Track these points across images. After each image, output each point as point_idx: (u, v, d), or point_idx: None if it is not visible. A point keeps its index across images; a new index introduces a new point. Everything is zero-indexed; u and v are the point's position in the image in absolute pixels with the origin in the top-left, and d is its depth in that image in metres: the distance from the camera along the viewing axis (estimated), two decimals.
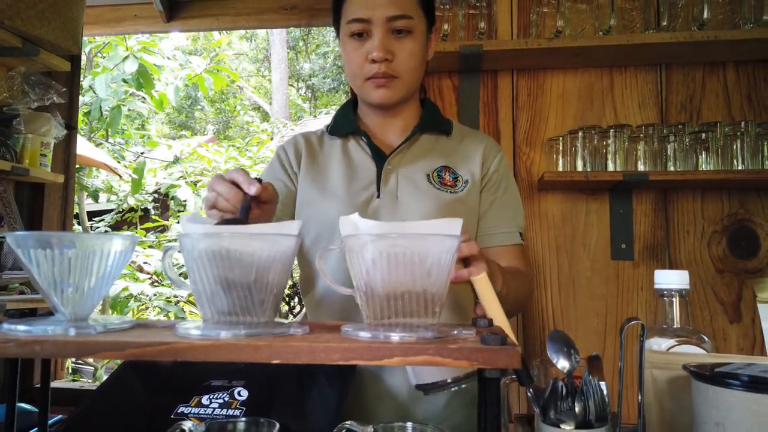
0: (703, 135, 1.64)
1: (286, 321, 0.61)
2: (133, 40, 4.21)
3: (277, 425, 0.63)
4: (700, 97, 1.78)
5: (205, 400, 0.81)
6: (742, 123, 1.64)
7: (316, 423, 0.76)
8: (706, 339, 0.74)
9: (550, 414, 0.64)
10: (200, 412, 0.79)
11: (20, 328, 0.53)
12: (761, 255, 1.72)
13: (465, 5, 1.80)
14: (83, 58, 2.69)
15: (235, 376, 0.85)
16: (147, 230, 5.13)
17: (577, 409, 0.63)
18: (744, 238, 1.73)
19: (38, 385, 2.10)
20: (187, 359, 0.49)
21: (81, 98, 2.55)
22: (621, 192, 1.77)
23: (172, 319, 4.01)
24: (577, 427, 0.62)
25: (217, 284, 0.53)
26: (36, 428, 0.71)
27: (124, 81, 4.42)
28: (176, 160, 5.58)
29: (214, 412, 0.79)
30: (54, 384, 2.15)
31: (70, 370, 3.68)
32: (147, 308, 4.21)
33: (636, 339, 0.68)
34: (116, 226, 5.62)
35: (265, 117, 12.16)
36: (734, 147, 1.63)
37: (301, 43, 13.83)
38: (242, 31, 13.09)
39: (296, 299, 4.10)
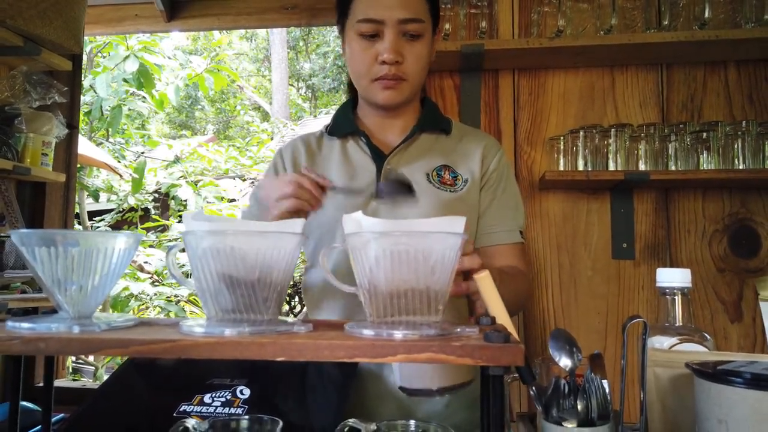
0: (705, 134, 1.64)
1: (289, 319, 0.61)
2: (134, 40, 4.21)
3: (280, 423, 0.63)
4: (701, 96, 1.78)
5: (207, 398, 0.81)
6: (743, 122, 1.64)
7: (318, 421, 0.76)
8: (708, 337, 0.74)
9: (552, 412, 0.64)
10: (202, 411, 0.79)
11: (24, 326, 0.54)
12: (762, 254, 1.72)
13: (466, 5, 1.80)
14: (84, 57, 2.69)
15: (237, 375, 0.85)
16: (147, 230, 5.13)
17: (579, 407, 0.63)
18: (745, 237, 1.73)
19: (40, 385, 2.11)
20: (191, 356, 0.49)
21: (82, 98, 2.55)
22: (622, 191, 1.77)
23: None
24: (579, 425, 0.62)
25: (221, 282, 0.53)
26: (38, 427, 0.71)
27: (125, 80, 4.42)
28: (177, 160, 5.59)
29: (216, 411, 0.79)
30: (55, 383, 2.15)
31: (70, 370, 3.68)
32: (147, 308, 4.21)
33: (638, 337, 0.68)
34: (116, 226, 5.62)
35: (266, 117, 12.16)
36: (735, 146, 1.63)
37: (301, 43, 13.83)
38: (242, 31, 13.09)
39: (296, 298, 4.10)
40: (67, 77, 2.23)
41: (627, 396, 0.66)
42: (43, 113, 2.02)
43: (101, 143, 5.48)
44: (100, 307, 0.62)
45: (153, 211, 5.52)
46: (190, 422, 0.60)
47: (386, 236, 0.54)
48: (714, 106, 1.77)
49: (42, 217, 2.17)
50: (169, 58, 5.55)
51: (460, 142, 1.16)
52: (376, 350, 0.49)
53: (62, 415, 1.21)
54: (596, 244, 1.78)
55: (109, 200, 5.70)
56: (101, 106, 4.43)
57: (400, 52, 1.02)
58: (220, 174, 5.76)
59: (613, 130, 1.69)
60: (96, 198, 5.53)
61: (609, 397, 0.65)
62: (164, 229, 5.06)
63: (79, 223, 4.71)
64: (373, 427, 0.60)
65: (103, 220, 5.55)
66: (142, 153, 5.57)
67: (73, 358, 3.72)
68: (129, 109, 5.04)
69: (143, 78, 4.22)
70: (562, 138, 1.74)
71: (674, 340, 0.74)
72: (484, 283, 0.72)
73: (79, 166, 3.84)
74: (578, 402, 0.63)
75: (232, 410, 0.78)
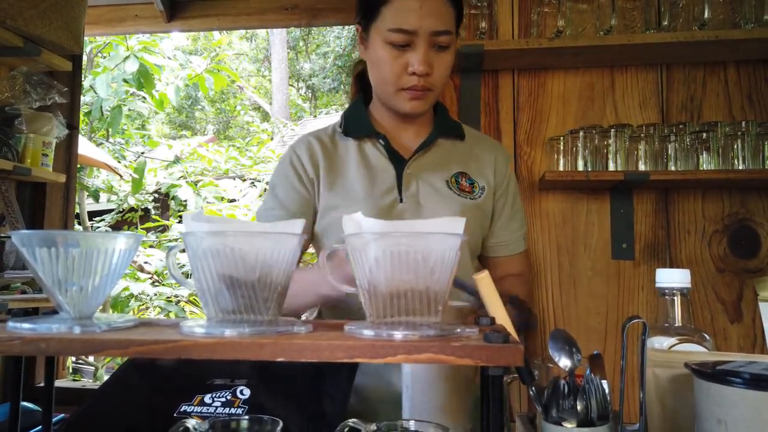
0: (704, 135, 1.65)
1: (290, 319, 0.61)
2: (134, 40, 4.22)
3: (281, 423, 0.63)
4: (700, 96, 1.78)
5: (207, 398, 0.81)
6: (743, 123, 1.65)
7: (318, 421, 0.76)
8: (708, 337, 0.74)
9: (552, 412, 0.64)
10: (202, 411, 0.79)
11: (25, 326, 0.54)
12: (762, 255, 1.72)
13: (466, 5, 1.79)
14: (84, 57, 2.69)
15: (237, 375, 0.86)
16: (147, 230, 5.13)
17: (579, 408, 0.63)
18: (745, 237, 1.73)
19: (41, 385, 2.11)
20: (192, 357, 0.49)
21: (82, 98, 2.55)
22: (622, 192, 1.77)
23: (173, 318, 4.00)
24: (579, 426, 0.62)
25: (221, 282, 0.54)
26: (39, 427, 0.72)
27: (125, 81, 4.43)
28: (177, 160, 5.59)
29: (217, 411, 0.79)
30: (56, 384, 2.15)
31: (70, 370, 3.69)
32: (147, 308, 4.21)
33: (637, 338, 0.68)
34: (116, 226, 5.62)
35: (266, 117, 12.16)
36: (735, 147, 1.63)
37: (301, 43, 13.83)
38: (242, 31, 13.09)
39: None
40: (67, 78, 2.23)
41: (626, 396, 0.66)
42: (44, 114, 2.03)
43: (101, 143, 5.49)
44: (100, 307, 0.62)
45: (153, 212, 5.52)
46: (191, 422, 0.60)
47: (386, 237, 0.54)
48: (714, 106, 1.77)
49: (42, 217, 2.17)
50: (169, 58, 5.55)
51: (473, 148, 1.18)
52: (376, 351, 0.49)
53: (62, 415, 1.21)
54: (596, 244, 1.78)
55: (109, 200, 5.70)
56: (101, 107, 4.43)
57: (430, 64, 1.01)
58: (220, 174, 5.77)
59: (612, 130, 1.69)
60: (96, 198, 5.53)
61: (608, 398, 0.65)
62: (164, 229, 5.06)
63: (79, 224, 4.71)
64: (373, 427, 0.60)
65: (103, 220, 5.55)
66: (142, 153, 5.57)
67: (74, 359, 3.72)
68: (129, 110, 5.04)
69: (143, 78, 4.22)
70: (561, 138, 1.74)
71: (674, 340, 0.74)
72: (484, 283, 0.72)
73: (79, 166, 3.84)
74: (578, 402, 0.63)
75: (232, 410, 0.78)
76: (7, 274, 1.85)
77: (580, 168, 1.70)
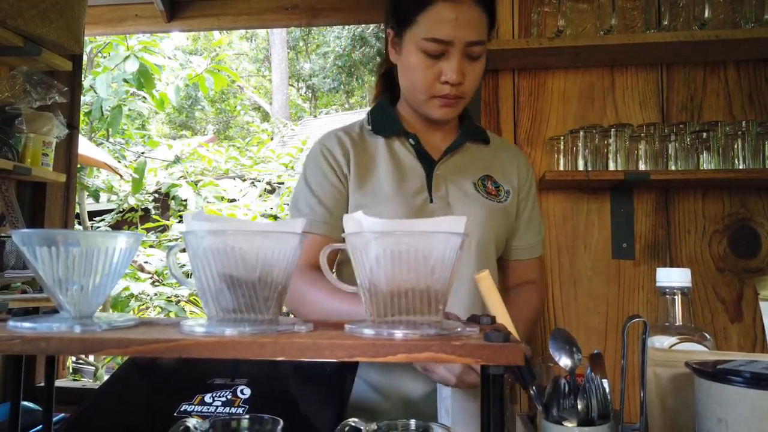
0: (704, 134, 1.65)
1: (290, 318, 0.61)
2: (134, 40, 4.22)
3: (281, 423, 0.63)
4: (701, 96, 1.78)
5: (207, 398, 0.81)
6: (743, 122, 1.65)
7: (319, 421, 0.76)
8: (708, 337, 0.74)
9: (552, 412, 0.64)
10: (203, 410, 0.79)
11: (26, 326, 0.54)
12: (762, 254, 1.72)
13: None
14: (84, 57, 2.69)
15: (237, 375, 0.86)
16: (148, 230, 5.13)
17: (579, 407, 0.63)
18: (745, 237, 1.73)
19: (41, 385, 2.11)
20: (192, 356, 0.49)
21: (82, 98, 2.55)
22: (622, 191, 1.77)
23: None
24: (579, 425, 0.62)
25: (221, 282, 0.54)
26: (39, 426, 0.72)
27: (125, 81, 4.43)
28: (177, 160, 5.59)
29: (217, 410, 0.79)
30: (56, 383, 2.15)
31: (70, 370, 3.69)
32: (148, 308, 4.21)
33: (638, 337, 0.68)
34: (116, 226, 5.62)
35: (266, 117, 12.17)
36: (735, 146, 1.63)
37: (301, 43, 13.84)
38: (242, 31, 13.10)
39: None
40: (68, 77, 2.23)
41: (627, 395, 0.66)
42: (44, 113, 2.03)
43: (101, 143, 5.48)
44: (100, 307, 0.62)
45: (153, 211, 5.52)
46: (191, 422, 0.60)
47: (387, 236, 0.54)
48: (714, 106, 1.77)
49: (42, 217, 2.17)
50: (169, 58, 5.55)
51: (497, 153, 1.19)
52: (376, 350, 0.49)
53: (63, 414, 1.22)
54: (596, 244, 1.78)
55: (109, 200, 5.70)
56: (101, 107, 4.43)
57: (463, 73, 1.01)
58: (220, 174, 5.77)
59: (613, 130, 1.69)
60: (96, 198, 5.53)
61: (609, 397, 0.65)
62: (164, 229, 5.06)
63: (80, 223, 4.71)
64: (374, 427, 0.60)
65: (103, 220, 5.55)
66: (143, 153, 5.57)
67: (74, 358, 3.73)
68: (129, 110, 5.04)
69: (143, 78, 4.22)
70: (562, 138, 1.74)
71: (674, 339, 0.74)
72: (484, 283, 0.72)
73: (79, 166, 3.84)
74: (578, 401, 0.63)
75: (233, 410, 0.79)
76: (7, 274, 1.85)
77: (581, 168, 1.70)
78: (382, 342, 0.49)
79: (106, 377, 3.13)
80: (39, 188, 2.18)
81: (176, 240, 4.62)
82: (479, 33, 1.00)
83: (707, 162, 1.65)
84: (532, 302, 1.17)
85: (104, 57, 4.82)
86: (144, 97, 4.83)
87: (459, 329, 0.54)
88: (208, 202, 5.06)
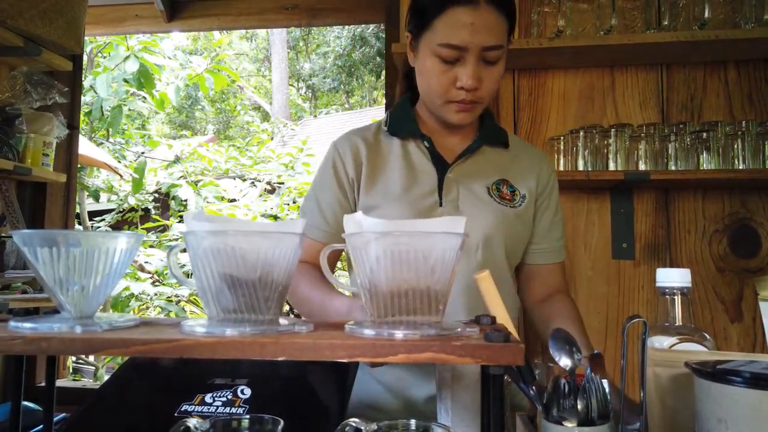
0: (704, 134, 1.65)
1: (291, 318, 0.61)
2: (134, 40, 4.22)
3: (281, 423, 0.63)
4: (701, 96, 1.78)
5: (208, 398, 0.81)
6: (743, 122, 1.65)
7: (319, 421, 0.76)
8: (708, 337, 0.74)
9: (552, 412, 0.64)
10: (203, 411, 0.79)
11: (27, 326, 0.54)
12: (762, 254, 1.72)
13: None
14: (84, 57, 2.69)
15: (237, 375, 0.86)
16: (148, 230, 5.13)
17: (579, 407, 0.63)
18: (745, 237, 1.73)
19: (41, 385, 2.11)
20: (193, 356, 0.49)
21: (82, 98, 2.55)
22: (622, 191, 1.77)
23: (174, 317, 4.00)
24: (579, 425, 0.62)
25: (222, 282, 0.54)
26: (40, 426, 0.72)
27: (125, 81, 4.43)
28: (177, 160, 5.59)
29: (217, 411, 0.79)
30: (56, 383, 2.15)
31: (71, 370, 3.69)
32: (148, 308, 4.22)
33: (637, 337, 0.68)
34: (117, 226, 5.62)
35: (266, 117, 12.17)
36: (735, 146, 1.63)
37: (301, 43, 13.84)
38: (242, 31, 13.10)
39: None
40: (68, 77, 2.23)
41: (627, 395, 0.66)
42: (44, 114, 2.03)
43: (101, 143, 5.49)
44: (101, 307, 0.62)
45: (153, 211, 5.52)
46: (192, 422, 0.60)
47: (387, 236, 0.54)
48: (714, 106, 1.77)
49: (43, 217, 2.17)
50: (169, 58, 5.55)
51: (516, 157, 1.17)
52: (376, 350, 0.49)
53: (63, 414, 1.22)
54: (596, 244, 1.78)
55: (109, 200, 5.70)
56: (101, 107, 4.43)
57: (479, 78, 0.99)
58: (221, 174, 5.77)
59: (613, 130, 1.69)
60: (96, 198, 5.53)
61: (609, 397, 0.65)
62: (164, 229, 5.06)
63: (80, 223, 4.71)
64: (374, 426, 0.60)
65: (103, 220, 5.55)
66: (143, 153, 5.57)
67: (74, 358, 3.73)
68: (129, 110, 5.05)
69: (143, 78, 4.22)
70: (562, 138, 1.74)
71: (674, 339, 0.74)
72: (485, 283, 0.72)
73: (79, 166, 3.84)
74: (578, 402, 0.63)
75: (233, 410, 0.79)
76: (7, 274, 1.85)
77: (581, 168, 1.70)
78: (383, 342, 0.50)
79: (106, 377, 3.13)
80: (39, 188, 2.18)
81: (176, 240, 4.62)
82: (496, 38, 0.98)
83: (707, 162, 1.65)
84: (573, 312, 1.12)
85: (104, 57, 4.83)
86: (144, 97, 4.83)
87: (459, 329, 0.55)
88: (208, 202, 5.06)
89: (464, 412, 0.76)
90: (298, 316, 1.10)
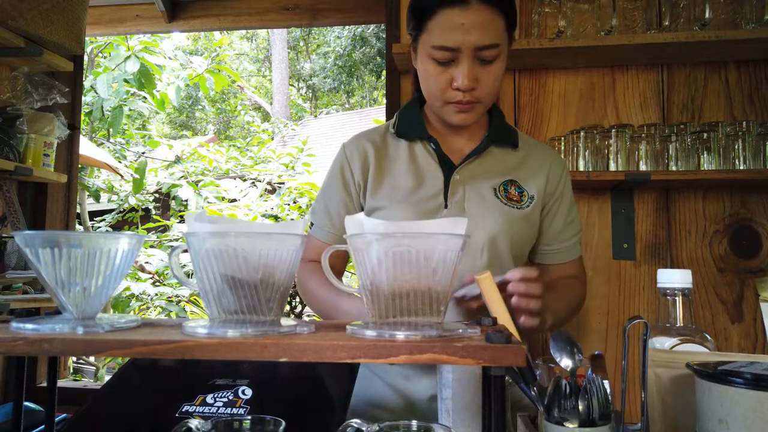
0: (705, 135, 1.65)
1: (292, 319, 0.61)
2: (135, 40, 4.22)
3: (283, 423, 0.63)
4: (701, 96, 1.78)
5: (209, 398, 0.81)
6: (744, 123, 1.64)
7: (320, 421, 0.76)
8: (709, 338, 0.74)
9: (554, 412, 0.64)
10: (204, 411, 0.79)
11: (28, 327, 0.54)
12: (762, 255, 1.72)
13: None
14: (85, 58, 2.69)
15: (239, 375, 0.86)
16: (148, 230, 5.14)
17: (580, 408, 0.63)
18: (745, 237, 1.73)
19: (42, 385, 2.11)
20: (195, 357, 0.49)
21: (83, 98, 2.56)
22: (623, 192, 1.77)
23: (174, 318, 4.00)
24: (580, 426, 0.63)
25: (223, 283, 0.54)
26: (41, 426, 0.72)
27: (126, 81, 4.43)
28: (177, 160, 5.59)
29: (219, 411, 0.79)
30: (57, 383, 2.15)
31: (71, 370, 3.69)
32: (148, 308, 4.22)
33: (638, 338, 0.68)
34: (117, 226, 5.63)
35: (266, 117, 12.17)
36: (736, 147, 1.63)
37: (301, 43, 13.85)
38: (243, 31, 13.11)
39: (297, 299, 4.10)
40: (69, 78, 2.23)
41: (628, 396, 0.66)
42: (45, 114, 2.03)
43: (102, 144, 5.49)
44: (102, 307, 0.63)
45: (154, 212, 5.53)
46: (193, 422, 0.60)
47: (388, 237, 0.54)
48: (714, 106, 1.77)
49: (44, 217, 2.18)
50: (169, 58, 5.55)
51: (526, 157, 1.15)
52: (378, 351, 0.49)
53: (64, 415, 1.22)
54: (597, 244, 1.78)
55: (110, 200, 5.71)
56: (102, 107, 4.44)
57: (475, 78, 0.99)
58: (221, 174, 5.77)
59: (613, 130, 1.69)
60: (97, 198, 5.54)
61: (610, 398, 0.65)
62: (165, 229, 5.06)
63: (80, 224, 4.71)
64: (375, 427, 0.60)
65: (104, 220, 5.56)
66: (143, 153, 5.58)
67: (74, 359, 3.73)
68: (130, 110, 5.05)
69: (144, 78, 4.22)
70: (562, 138, 1.74)
71: (675, 340, 0.74)
72: (485, 284, 0.72)
73: (80, 166, 3.85)
74: (579, 402, 0.63)
75: (234, 410, 0.79)
76: (8, 274, 1.85)
77: (581, 168, 1.70)
78: (384, 343, 0.50)
79: (107, 377, 3.14)
80: (40, 189, 2.18)
81: (177, 240, 4.62)
82: (491, 36, 0.97)
83: (708, 162, 1.65)
84: (574, 288, 1.13)
85: (105, 57, 4.83)
86: (144, 97, 4.83)
87: (460, 330, 0.55)
88: (208, 202, 5.06)
89: (465, 413, 0.76)
90: (299, 315, 1.11)
